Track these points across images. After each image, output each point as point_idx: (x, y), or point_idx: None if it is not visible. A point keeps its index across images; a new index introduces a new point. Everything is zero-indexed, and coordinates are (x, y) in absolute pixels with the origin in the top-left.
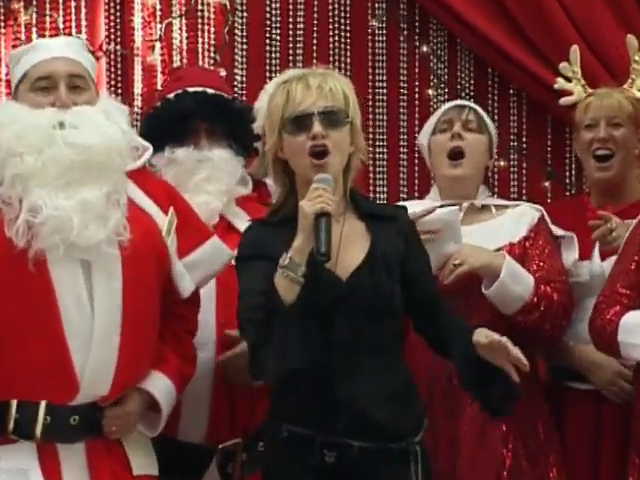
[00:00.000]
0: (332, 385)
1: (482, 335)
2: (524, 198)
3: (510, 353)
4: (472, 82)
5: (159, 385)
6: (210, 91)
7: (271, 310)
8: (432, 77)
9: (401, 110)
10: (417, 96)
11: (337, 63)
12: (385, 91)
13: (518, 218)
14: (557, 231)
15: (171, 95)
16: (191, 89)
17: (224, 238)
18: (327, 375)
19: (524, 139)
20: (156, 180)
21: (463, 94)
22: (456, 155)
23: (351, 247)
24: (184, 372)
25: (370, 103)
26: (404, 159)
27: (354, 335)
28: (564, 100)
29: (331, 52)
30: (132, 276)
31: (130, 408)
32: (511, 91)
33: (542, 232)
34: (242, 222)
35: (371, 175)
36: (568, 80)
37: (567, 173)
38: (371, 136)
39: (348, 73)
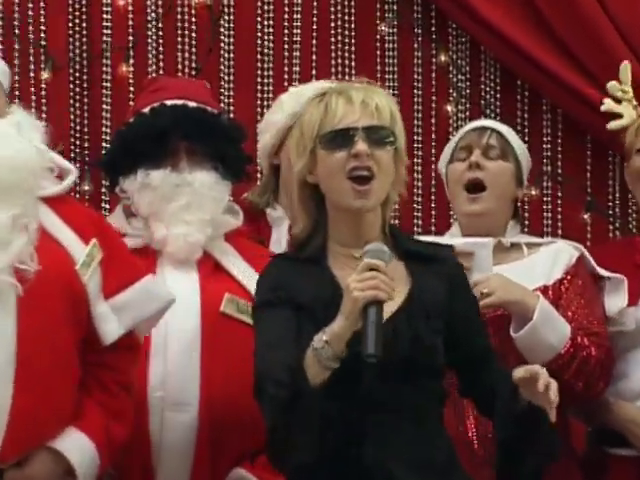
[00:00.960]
0: (360, 452)
1: (521, 369)
2: (559, 233)
3: (539, 380)
4: (498, 96)
5: (74, 445)
6: (191, 104)
7: (296, 391)
8: (451, 91)
9: (415, 129)
10: (434, 113)
11: (340, 75)
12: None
13: (554, 257)
14: (602, 272)
15: (146, 109)
16: (169, 102)
17: (210, 280)
18: (354, 440)
19: (559, 164)
20: (81, 208)
21: (488, 111)
22: (475, 188)
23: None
24: (112, 432)
25: None
26: (419, 187)
27: (387, 394)
28: (613, 124)
29: (333, 62)
30: (32, 314)
31: (32, 471)
32: (544, 107)
33: (581, 274)
34: (232, 261)
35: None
36: (617, 101)
37: (610, 204)
38: None
39: None
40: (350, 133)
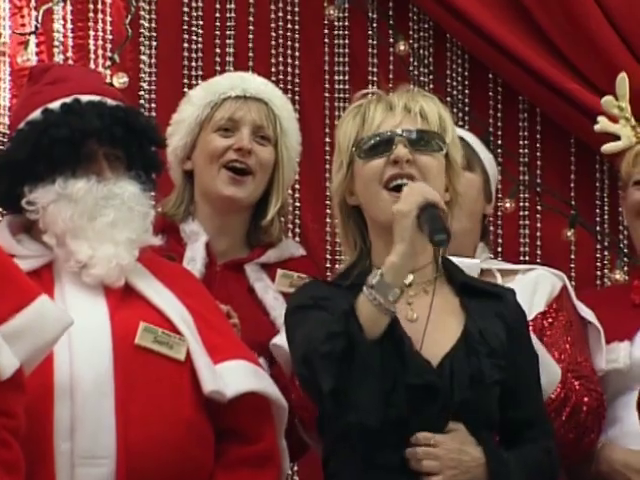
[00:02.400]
0: None
1: None
2: (538, 253)
3: None
4: (467, 92)
5: None
6: (110, 102)
7: (352, 339)
8: (412, 86)
9: None
10: None
11: (282, 66)
12: (348, 104)
13: (533, 287)
14: (581, 311)
15: (54, 105)
16: (84, 98)
17: (122, 307)
18: None
19: (538, 171)
20: None
21: (455, 109)
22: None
23: (442, 324)
24: None
25: (327, 121)
26: None
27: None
28: (608, 148)
29: (273, 51)
30: None
31: None
32: (521, 106)
33: (566, 307)
34: (146, 283)
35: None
36: (613, 120)
37: (598, 218)
38: (327, 166)
39: (296, 80)
40: (389, 137)
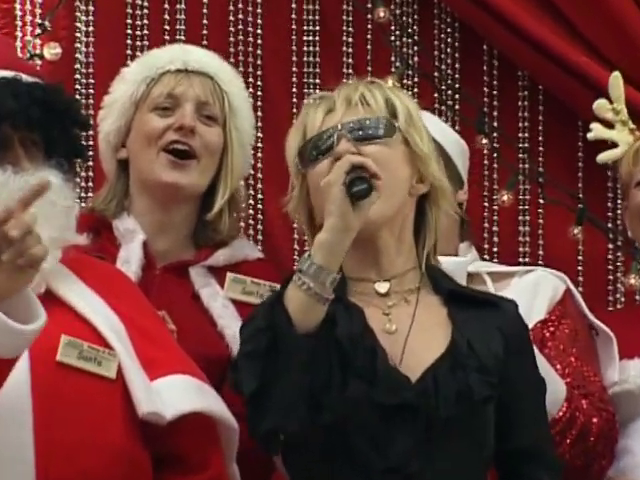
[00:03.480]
0: None
1: None
2: (540, 254)
3: None
4: (457, 66)
5: None
6: (26, 78)
7: (277, 331)
8: (394, 58)
9: None
10: None
11: (242, 36)
12: (318, 81)
13: (532, 292)
14: (590, 317)
15: None
16: None
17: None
18: None
19: (540, 158)
20: None
21: (443, 86)
22: None
23: (426, 336)
24: None
25: (295, 100)
26: None
27: (422, 465)
28: (605, 157)
29: (231, 18)
30: None
31: None
32: (520, 82)
33: (570, 313)
34: (70, 288)
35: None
36: (609, 125)
37: (610, 214)
38: None
39: (259, 52)
40: (328, 136)
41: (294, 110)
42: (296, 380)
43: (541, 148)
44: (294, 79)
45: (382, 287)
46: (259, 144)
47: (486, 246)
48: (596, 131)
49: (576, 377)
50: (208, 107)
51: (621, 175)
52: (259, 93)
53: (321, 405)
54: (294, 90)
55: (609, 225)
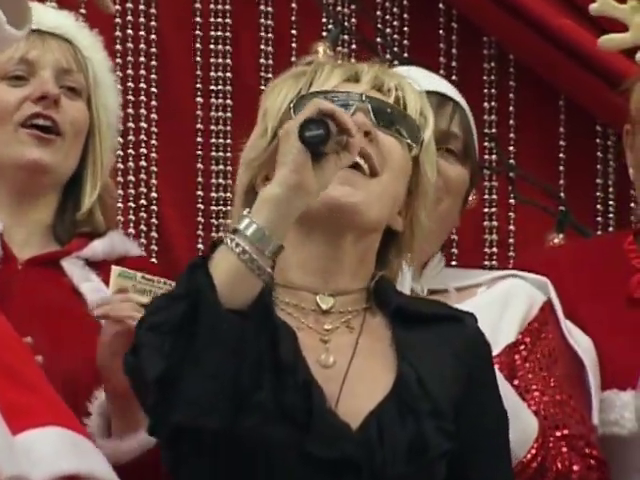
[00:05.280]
0: None
1: None
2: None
3: None
4: (406, 28)
5: None
6: None
7: (197, 306)
8: (326, 20)
9: None
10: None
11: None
12: (229, 48)
13: (501, 304)
14: (573, 343)
15: None
16: None
17: None
18: None
19: (511, 147)
20: None
21: (389, 54)
22: None
23: (369, 370)
24: None
25: (199, 73)
26: None
27: None
28: (606, 41)
29: None
30: None
31: None
32: (487, 50)
33: (549, 332)
34: None
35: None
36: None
37: (599, 218)
38: (200, 139)
39: (152, 10)
40: (345, 98)
41: (198, 95)
42: (219, 364)
43: (512, 134)
44: (197, 45)
45: (326, 302)
46: (153, 128)
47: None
48: (603, 3)
49: (554, 413)
50: (70, 75)
51: (630, 111)
52: (153, 63)
53: (250, 404)
54: (197, 59)
55: (599, 232)
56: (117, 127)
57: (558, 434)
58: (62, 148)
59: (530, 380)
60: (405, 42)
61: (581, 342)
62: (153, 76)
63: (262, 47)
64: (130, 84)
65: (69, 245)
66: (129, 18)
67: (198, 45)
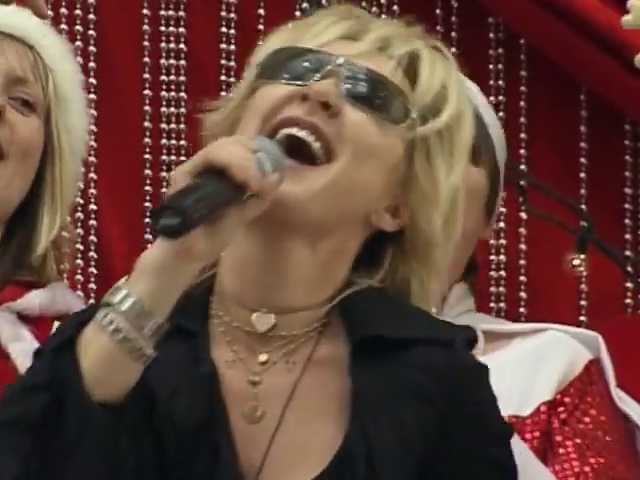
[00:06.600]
0: None
1: None
2: (521, 298)
3: None
4: (396, 3)
5: None
6: None
7: (60, 402)
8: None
9: None
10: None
11: None
12: (233, 32)
13: (540, 357)
14: (622, 398)
15: None
16: None
17: None
18: None
19: (522, 150)
20: None
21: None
22: None
23: (307, 428)
24: None
25: (146, 71)
26: None
27: None
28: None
29: None
30: None
31: None
32: (493, 33)
33: (596, 394)
34: None
35: None
36: None
37: (627, 235)
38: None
39: None
40: (318, 59)
41: (145, 82)
42: (87, 471)
43: (523, 135)
44: (145, 26)
45: (263, 322)
46: (91, 127)
47: None
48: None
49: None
50: (25, 86)
51: None
52: (91, 48)
53: None
54: (145, 44)
55: (627, 252)
56: (82, 155)
57: None
58: (4, 173)
59: (569, 449)
60: (395, 19)
61: (633, 406)
62: (92, 64)
63: (223, 30)
64: None
65: (1, 293)
66: None
67: (146, 27)
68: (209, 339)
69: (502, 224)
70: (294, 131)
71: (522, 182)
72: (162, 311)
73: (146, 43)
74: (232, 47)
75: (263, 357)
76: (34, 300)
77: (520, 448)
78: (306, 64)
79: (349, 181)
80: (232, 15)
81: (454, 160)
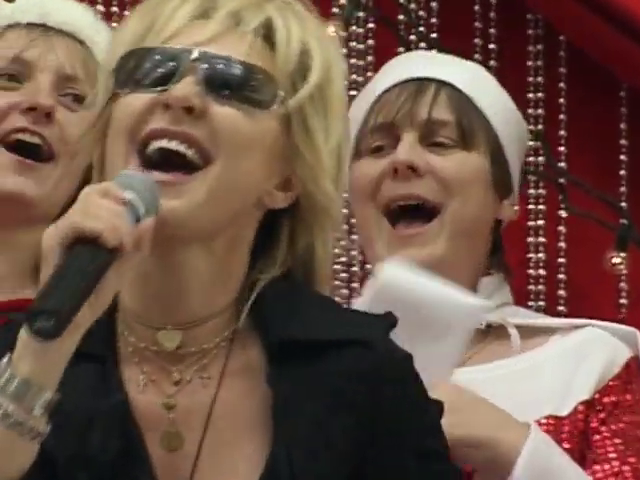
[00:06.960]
0: None
1: None
2: (561, 296)
3: None
4: (435, 3)
5: None
6: None
7: None
8: (401, 6)
9: None
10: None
11: None
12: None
13: (579, 355)
14: None
15: None
16: None
17: None
18: None
19: (562, 148)
20: None
21: (414, 35)
22: (409, 213)
23: (230, 453)
24: None
25: None
26: None
27: None
28: None
29: None
30: None
31: None
32: (529, 16)
33: (633, 392)
34: None
35: None
36: None
37: None
38: None
39: None
40: (172, 58)
41: None
42: None
43: (562, 132)
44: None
45: (170, 339)
46: None
47: None
48: None
49: None
50: (75, 84)
51: None
52: None
53: None
54: None
55: None
56: None
57: None
58: (51, 176)
59: (609, 447)
60: (433, 20)
61: None
62: None
63: None
64: None
65: None
66: None
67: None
68: (118, 362)
69: (541, 222)
70: (164, 143)
71: (561, 180)
72: (51, 384)
73: None
74: None
75: (176, 376)
76: None
77: (556, 451)
78: (161, 69)
79: (230, 180)
80: None
81: (329, 120)
